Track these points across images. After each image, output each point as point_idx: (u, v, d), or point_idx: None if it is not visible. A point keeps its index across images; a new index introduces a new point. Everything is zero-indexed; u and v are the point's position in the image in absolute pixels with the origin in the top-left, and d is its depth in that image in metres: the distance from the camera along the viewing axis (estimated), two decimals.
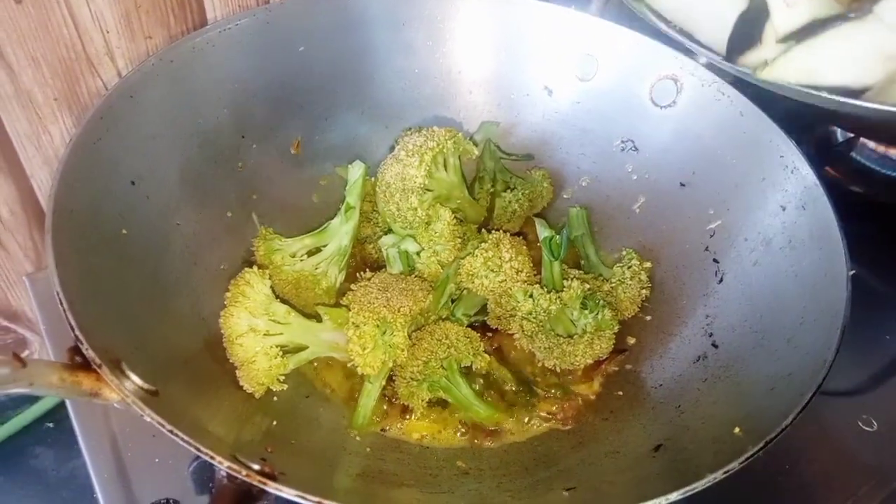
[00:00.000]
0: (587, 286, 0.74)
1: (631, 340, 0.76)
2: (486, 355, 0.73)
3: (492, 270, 0.73)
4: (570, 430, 0.70)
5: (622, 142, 0.85)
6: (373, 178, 0.80)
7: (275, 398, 0.67)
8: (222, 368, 0.66)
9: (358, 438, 0.68)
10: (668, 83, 0.80)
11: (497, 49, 0.87)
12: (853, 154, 0.96)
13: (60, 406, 0.86)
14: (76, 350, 0.51)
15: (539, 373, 0.74)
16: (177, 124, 0.73)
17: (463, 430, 0.70)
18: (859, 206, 0.91)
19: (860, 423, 0.76)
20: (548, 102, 0.88)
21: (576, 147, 0.87)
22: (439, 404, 0.71)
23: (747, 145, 0.74)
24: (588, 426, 0.70)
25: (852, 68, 0.52)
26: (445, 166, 0.77)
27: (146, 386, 0.52)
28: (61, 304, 0.53)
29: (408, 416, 0.70)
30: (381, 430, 0.69)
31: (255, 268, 0.70)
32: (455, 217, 0.76)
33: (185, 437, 0.48)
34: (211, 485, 0.66)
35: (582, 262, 0.82)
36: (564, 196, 0.88)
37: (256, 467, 0.49)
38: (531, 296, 0.72)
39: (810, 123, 0.76)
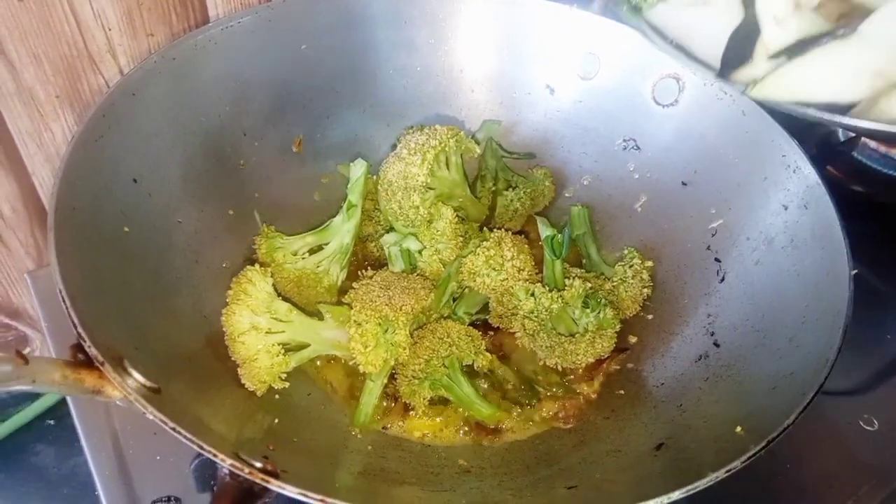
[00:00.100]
0: (589, 285, 0.74)
1: (632, 339, 0.76)
2: (488, 354, 0.73)
3: (493, 269, 0.73)
4: (571, 429, 0.70)
5: (624, 140, 0.85)
6: (374, 177, 0.79)
7: (276, 396, 0.67)
8: (224, 366, 0.66)
9: (359, 436, 0.68)
10: (671, 82, 0.80)
11: (499, 47, 0.87)
12: (855, 154, 0.96)
13: (61, 403, 0.86)
14: (78, 347, 0.51)
15: (540, 371, 0.74)
16: (179, 122, 0.73)
17: (464, 428, 0.70)
18: (861, 206, 0.91)
19: (861, 423, 0.76)
20: (550, 101, 0.87)
21: (577, 146, 0.87)
22: (441, 402, 0.71)
23: (749, 144, 0.74)
24: (589, 425, 0.70)
25: (840, 85, 0.53)
26: (447, 165, 0.77)
27: (148, 383, 0.52)
28: (64, 301, 0.53)
29: (409, 415, 0.70)
30: (383, 428, 0.69)
31: (256, 266, 0.70)
32: (457, 215, 0.76)
33: (188, 435, 0.48)
34: (212, 482, 0.66)
35: (583, 260, 0.82)
36: (566, 195, 0.88)
37: (259, 465, 0.49)
38: (533, 294, 0.72)
39: (812, 123, 0.76)
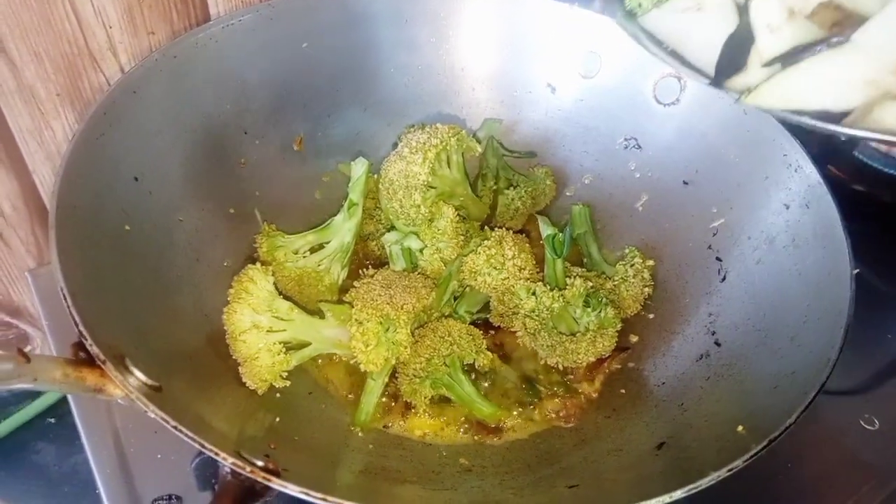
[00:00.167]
0: (590, 284, 0.74)
1: (634, 338, 0.76)
2: (489, 353, 0.73)
3: (494, 268, 0.73)
4: (572, 428, 0.70)
5: (625, 139, 0.85)
6: (376, 175, 0.79)
7: (277, 395, 0.67)
8: (225, 365, 0.66)
9: (361, 435, 0.68)
10: (672, 81, 0.80)
11: (500, 46, 0.87)
12: (856, 153, 0.96)
13: (62, 402, 0.86)
14: (80, 346, 0.51)
15: (542, 370, 0.74)
16: (179, 120, 0.73)
17: (466, 427, 0.70)
18: (862, 205, 0.91)
19: (862, 422, 0.76)
20: (551, 100, 0.87)
21: (579, 144, 0.87)
22: (442, 401, 0.71)
23: (751, 143, 0.74)
24: (590, 424, 0.70)
25: (833, 93, 0.53)
26: (449, 163, 0.76)
27: (150, 382, 0.52)
28: (65, 299, 0.52)
29: (410, 413, 0.70)
30: (384, 426, 0.69)
31: (258, 264, 0.70)
32: (458, 214, 0.76)
33: (190, 434, 0.48)
34: (213, 481, 0.66)
35: (584, 259, 0.82)
36: (567, 194, 0.88)
37: (260, 463, 0.49)
38: (534, 293, 0.72)
39: None
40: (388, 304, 0.66)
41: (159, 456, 0.68)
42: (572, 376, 0.74)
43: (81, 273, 0.56)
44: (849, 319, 0.59)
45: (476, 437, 0.69)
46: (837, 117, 0.52)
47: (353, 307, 0.68)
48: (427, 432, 0.69)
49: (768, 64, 0.55)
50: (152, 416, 0.50)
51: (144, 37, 0.75)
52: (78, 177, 0.61)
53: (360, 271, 0.75)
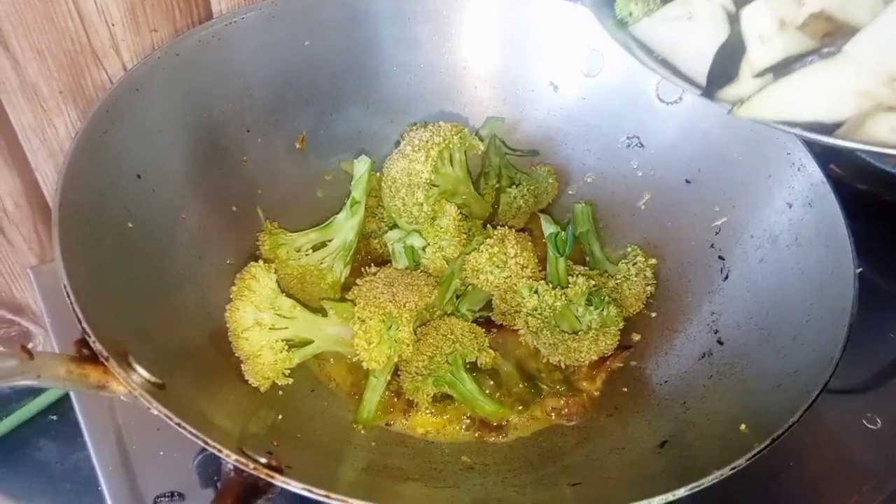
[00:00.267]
0: (592, 282, 0.74)
1: (636, 337, 0.76)
2: (491, 351, 0.73)
3: (497, 266, 0.73)
4: (574, 426, 0.70)
5: (628, 138, 0.85)
6: (378, 173, 0.79)
7: (280, 392, 0.67)
8: (228, 362, 0.66)
9: (363, 432, 0.68)
10: None
11: (503, 44, 0.87)
12: (858, 152, 0.96)
13: (64, 399, 0.86)
14: (83, 343, 0.51)
15: (544, 368, 0.74)
16: (182, 118, 0.73)
17: (468, 425, 0.70)
18: (865, 204, 0.91)
19: (864, 422, 0.76)
20: (553, 98, 0.87)
21: (581, 143, 0.87)
22: (444, 399, 0.71)
23: (753, 142, 0.74)
24: (593, 422, 0.70)
25: (825, 104, 0.53)
26: (451, 162, 0.76)
27: (153, 379, 0.52)
28: (68, 296, 0.53)
29: (413, 411, 0.70)
30: (386, 424, 0.69)
31: (260, 262, 0.70)
32: (460, 212, 0.76)
33: (193, 431, 0.48)
34: (216, 478, 0.66)
35: (587, 258, 0.82)
36: (569, 192, 0.88)
37: (263, 461, 0.49)
38: (536, 292, 0.72)
39: None
40: (390, 302, 0.66)
41: (162, 453, 0.68)
42: (575, 374, 0.74)
43: (84, 270, 0.57)
44: (852, 318, 0.59)
45: (478, 435, 0.69)
46: (830, 128, 0.52)
47: (355, 305, 0.68)
48: (429, 430, 0.69)
49: (760, 74, 0.55)
50: (155, 413, 0.50)
51: (147, 34, 0.75)
52: (81, 174, 0.61)
53: (363, 269, 0.75)
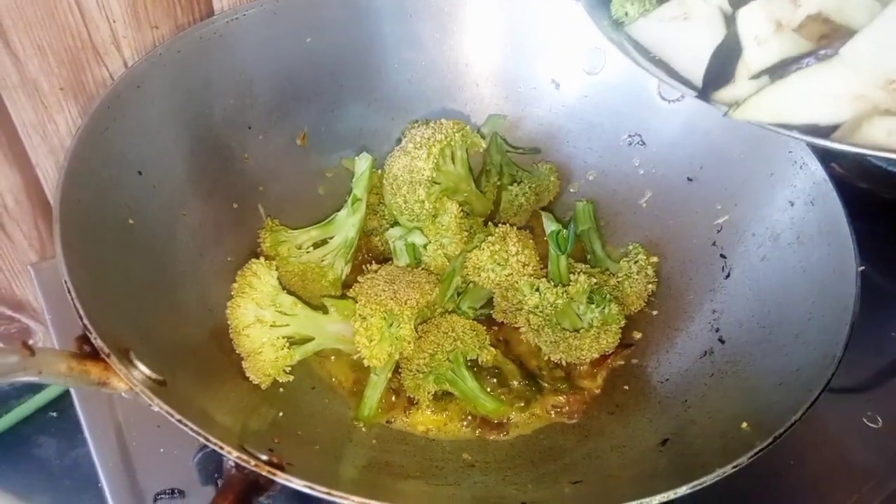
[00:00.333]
0: (594, 280, 0.74)
1: (637, 335, 0.76)
2: (492, 349, 0.72)
3: (498, 264, 0.73)
4: (575, 424, 0.70)
5: (629, 136, 0.85)
6: (379, 171, 0.79)
7: (281, 389, 0.67)
8: (229, 359, 0.66)
9: (364, 430, 0.68)
10: None
11: (504, 42, 0.87)
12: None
13: (64, 396, 0.86)
14: (84, 339, 0.51)
15: (545, 366, 0.74)
16: (183, 115, 0.73)
17: (469, 422, 0.69)
18: (865, 203, 0.91)
19: (865, 420, 0.76)
20: (555, 96, 0.87)
21: (583, 141, 0.87)
22: (445, 397, 0.71)
23: (755, 140, 0.74)
24: (594, 420, 0.70)
25: (822, 107, 0.53)
26: (453, 159, 0.76)
27: (154, 376, 0.52)
28: (69, 293, 0.52)
29: (414, 409, 0.70)
30: (387, 422, 0.69)
31: (262, 259, 0.70)
32: (462, 210, 0.76)
33: (194, 428, 0.48)
34: (216, 475, 0.66)
35: (588, 256, 0.82)
36: (571, 190, 0.88)
37: (265, 458, 0.49)
38: (538, 289, 0.72)
39: None
40: (391, 299, 0.66)
41: (162, 450, 0.68)
42: (576, 372, 0.74)
43: (85, 267, 0.56)
44: (854, 317, 0.59)
45: (479, 433, 0.69)
46: (826, 131, 0.52)
47: (356, 302, 0.68)
48: (430, 428, 0.69)
49: (756, 76, 0.55)
50: (156, 409, 0.50)
51: (148, 31, 0.75)
52: (82, 171, 0.61)
53: (364, 267, 0.75)
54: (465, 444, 0.68)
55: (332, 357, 0.73)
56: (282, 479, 0.47)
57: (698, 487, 0.49)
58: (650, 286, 0.78)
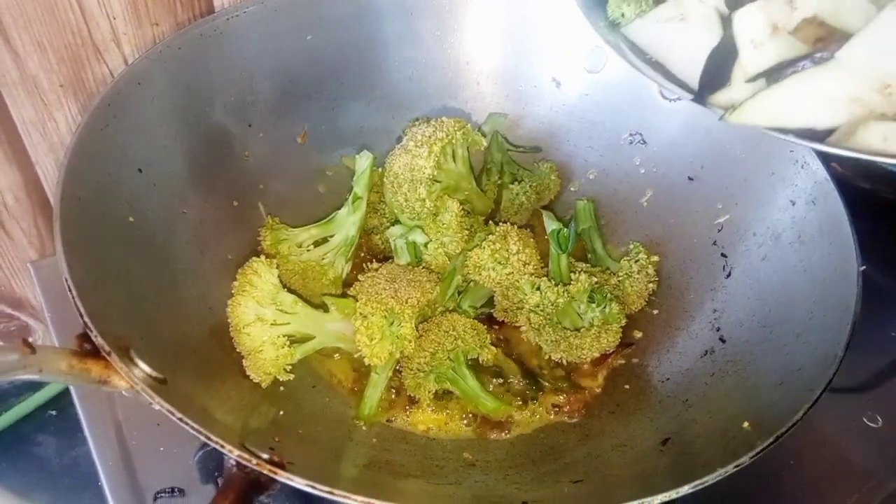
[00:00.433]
0: (594, 279, 0.74)
1: (638, 334, 0.76)
2: (493, 347, 0.72)
3: (499, 263, 0.73)
4: (576, 423, 0.70)
5: (630, 135, 0.84)
6: (380, 169, 0.79)
7: (281, 388, 0.67)
8: (229, 357, 0.66)
9: (364, 429, 0.68)
10: None
11: (505, 40, 0.87)
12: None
13: (63, 394, 0.86)
14: (85, 337, 0.51)
15: (545, 365, 0.74)
16: (184, 112, 0.73)
17: (469, 421, 0.69)
18: (866, 203, 0.91)
19: (865, 420, 0.76)
20: (556, 94, 0.87)
21: (583, 140, 0.87)
22: (446, 396, 0.71)
23: (756, 139, 0.74)
24: (595, 419, 0.70)
25: (818, 111, 0.53)
26: (454, 157, 0.76)
27: (155, 374, 0.52)
28: (70, 291, 0.52)
29: (414, 408, 0.70)
30: (388, 420, 0.69)
31: (262, 257, 0.70)
32: (463, 209, 0.76)
33: (195, 426, 0.48)
34: (216, 474, 0.66)
35: (589, 255, 0.82)
36: (571, 189, 0.88)
37: (265, 456, 0.49)
38: (538, 288, 0.72)
39: None
40: (392, 298, 0.66)
41: (162, 449, 0.68)
42: (577, 371, 0.74)
43: (86, 265, 0.56)
44: (855, 316, 0.59)
45: (480, 432, 0.69)
46: (822, 135, 0.52)
47: (357, 301, 0.68)
48: (431, 427, 0.69)
49: (752, 79, 0.55)
50: (157, 408, 0.50)
51: (148, 28, 0.75)
52: (82, 168, 0.61)
53: (365, 265, 0.75)
54: (466, 443, 0.68)
55: (333, 356, 0.73)
56: (283, 477, 0.47)
57: (700, 487, 0.49)
58: (651, 285, 0.78)
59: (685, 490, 0.49)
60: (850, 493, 0.72)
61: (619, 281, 0.78)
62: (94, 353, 0.51)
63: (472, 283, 0.75)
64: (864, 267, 0.62)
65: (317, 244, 0.78)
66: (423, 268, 0.75)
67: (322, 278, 0.76)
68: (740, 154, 0.75)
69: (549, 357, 0.73)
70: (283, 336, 0.66)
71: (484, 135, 0.83)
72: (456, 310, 0.74)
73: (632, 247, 0.81)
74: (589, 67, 0.85)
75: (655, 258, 0.79)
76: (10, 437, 0.84)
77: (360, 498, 0.47)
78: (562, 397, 0.71)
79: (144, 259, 0.65)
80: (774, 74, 0.54)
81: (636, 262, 0.79)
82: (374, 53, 0.84)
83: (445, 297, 0.73)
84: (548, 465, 0.65)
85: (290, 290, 0.71)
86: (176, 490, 0.65)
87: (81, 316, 0.51)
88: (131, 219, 0.64)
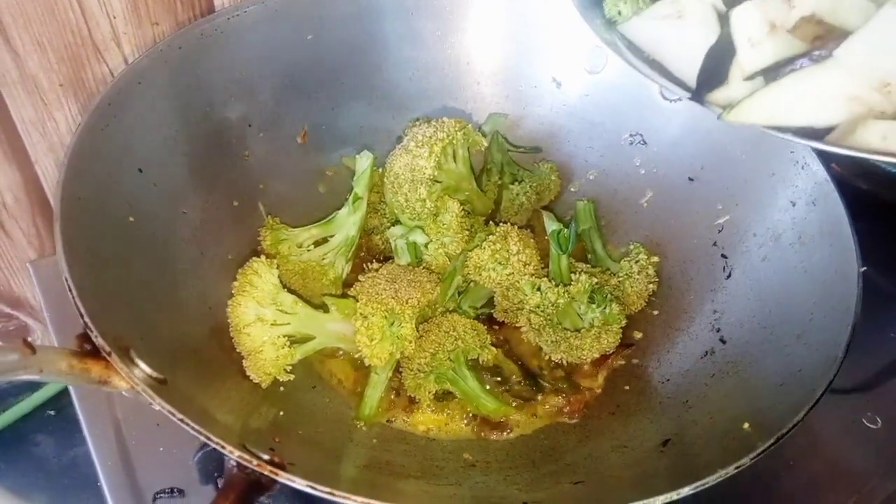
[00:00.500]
0: (595, 280, 0.74)
1: (638, 335, 0.76)
2: (493, 348, 0.72)
3: (499, 263, 0.73)
4: (576, 424, 0.70)
5: (630, 135, 0.84)
6: (380, 169, 0.79)
7: (281, 388, 0.67)
8: (229, 358, 0.66)
9: (364, 429, 0.68)
10: None
11: (506, 40, 0.86)
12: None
13: (62, 394, 0.85)
14: (85, 337, 0.51)
15: (546, 366, 0.74)
16: (184, 112, 0.73)
17: (469, 422, 0.69)
18: (865, 204, 0.91)
19: (864, 421, 0.76)
20: (556, 95, 0.87)
21: (584, 140, 0.87)
22: (446, 396, 0.71)
23: (757, 140, 0.74)
24: (595, 420, 0.70)
25: (816, 109, 0.52)
26: (455, 158, 0.76)
27: (155, 374, 0.52)
28: (70, 290, 0.52)
29: (414, 408, 0.70)
30: (388, 421, 0.69)
31: (262, 257, 0.70)
32: (463, 209, 0.76)
33: (196, 427, 0.48)
34: (216, 474, 0.66)
35: (589, 255, 0.82)
36: (571, 189, 0.88)
37: (266, 457, 0.49)
38: (539, 289, 0.72)
39: None
40: (392, 298, 0.66)
41: (161, 449, 0.68)
42: (576, 372, 0.74)
43: (86, 265, 0.56)
44: (856, 318, 0.59)
45: (480, 433, 0.69)
46: (821, 133, 0.52)
47: (357, 301, 0.68)
48: (431, 427, 0.69)
49: (750, 78, 0.55)
50: (157, 408, 0.49)
51: (148, 27, 0.75)
52: (82, 168, 0.61)
53: (365, 265, 0.74)
54: (466, 443, 0.68)
55: (333, 356, 0.72)
56: (284, 478, 0.47)
57: (701, 488, 0.49)
58: (651, 286, 0.78)
59: (686, 491, 0.49)
60: (850, 495, 0.72)
61: (619, 281, 0.78)
62: (95, 354, 0.50)
63: (472, 284, 0.75)
64: (864, 268, 0.62)
65: (317, 244, 0.77)
66: (424, 268, 0.75)
67: (322, 278, 0.76)
68: (741, 155, 0.75)
69: (550, 358, 0.73)
70: (284, 336, 0.66)
71: (484, 135, 0.82)
72: (456, 310, 0.74)
73: (632, 247, 0.81)
74: (589, 68, 0.85)
75: (655, 259, 0.79)
76: (8, 437, 0.84)
77: (360, 499, 0.47)
78: (562, 398, 0.71)
79: (144, 259, 0.64)
80: (772, 73, 0.54)
81: (636, 262, 0.79)
82: (375, 53, 0.84)
83: (446, 298, 0.73)
84: (548, 466, 0.65)
85: (291, 291, 0.71)
86: (175, 490, 0.65)
87: (82, 316, 0.51)
88: (131, 219, 0.64)
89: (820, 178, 0.68)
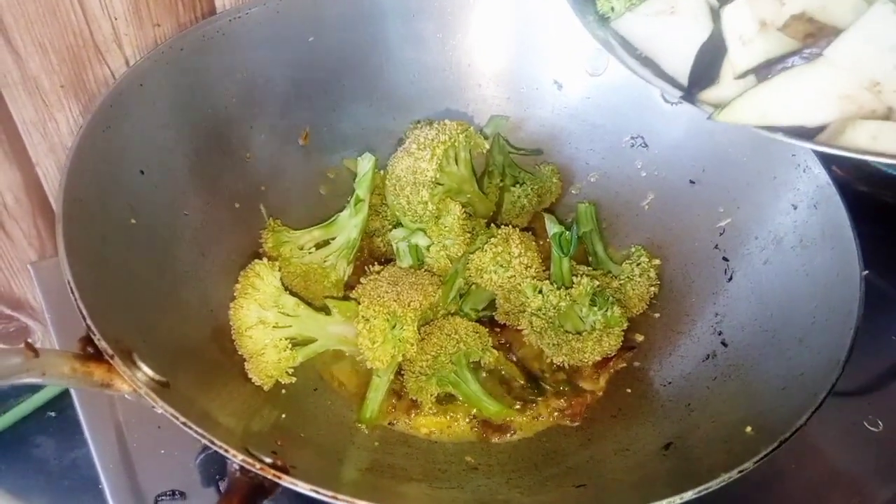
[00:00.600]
0: (596, 283, 0.74)
1: (639, 338, 0.76)
2: (495, 351, 0.72)
3: (501, 266, 0.73)
4: (578, 427, 0.70)
5: (632, 138, 0.84)
6: (382, 171, 0.79)
7: (283, 391, 0.67)
8: (231, 360, 0.66)
9: (366, 432, 0.67)
10: None
11: (507, 42, 0.86)
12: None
13: (62, 395, 0.85)
14: (87, 340, 0.51)
15: (547, 369, 0.74)
16: (185, 113, 0.73)
17: (471, 425, 0.69)
18: (866, 207, 0.91)
19: (866, 424, 0.76)
20: (558, 97, 0.87)
21: (585, 142, 0.87)
22: (448, 399, 0.70)
23: (758, 143, 0.74)
24: (596, 423, 0.70)
25: (807, 108, 0.52)
26: (457, 160, 0.76)
27: (157, 377, 0.52)
28: (73, 293, 0.52)
29: (416, 411, 0.70)
30: (389, 424, 0.69)
31: (264, 259, 0.70)
32: (465, 211, 0.76)
33: (199, 430, 0.48)
34: (217, 477, 0.66)
35: (590, 258, 0.82)
36: (573, 192, 0.88)
37: (269, 460, 0.49)
38: (540, 292, 0.72)
39: None
40: (394, 301, 0.66)
41: (163, 451, 0.67)
42: (578, 375, 0.74)
43: (88, 267, 0.56)
44: (858, 321, 0.59)
45: (482, 436, 0.69)
46: (812, 132, 0.52)
47: (359, 304, 0.67)
48: (433, 430, 0.69)
49: (741, 76, 0.55)
50: (160, 411, 0.49)
51: (150, 29, 0.75)
52: (84, 170, 0.61)
53: (366, 268, 0.74)
54: (468, 446, 0.68)
55: (335, 358, 0.72)
56: (287, 482, 0.47)
57: (705, 492, 0.49)
58: (652, 289, 0.78)
59: (689, 495, 0.49)
60: (851, 497, 0.72)
61: (620, 284, 0.78)
62: (97, 357, 0.50)
63: (473, 286, 0.75)
64: (866, 272, 0.62)
65: (318, 246, 0.77)
66: (425, 271, 0.75)
67: (324, 281, 0.75)
68: (742, 158, 0.75)
69: (551, 360, 0.73)
70: (285, 339, 0.66)
71: (486, 137, 0.82)
72: (458, 313, 0.74)
73: (633, 250, 0.81)
74: (590, 70, 0.85)
75: (657, 261, 0.79)
76: (9, 439, 0.84)
77: (363, 502, 0.47)
78: (563, 401, 0.71)
79: (146, 261, 0.64)
80: (764, 71, 0.53)
81: (638, 265, 0.78)
82: (376, 55, 0.84)
83: (447, 300, 0.73)
84: (550, 469, 0.65)
85: (292, 293, 0.70)
86: (177, 493, 0.65)
87: (84, 318, 0.51)
88: (133, 220, 0.64)
89: (822, 182, 0.68)
